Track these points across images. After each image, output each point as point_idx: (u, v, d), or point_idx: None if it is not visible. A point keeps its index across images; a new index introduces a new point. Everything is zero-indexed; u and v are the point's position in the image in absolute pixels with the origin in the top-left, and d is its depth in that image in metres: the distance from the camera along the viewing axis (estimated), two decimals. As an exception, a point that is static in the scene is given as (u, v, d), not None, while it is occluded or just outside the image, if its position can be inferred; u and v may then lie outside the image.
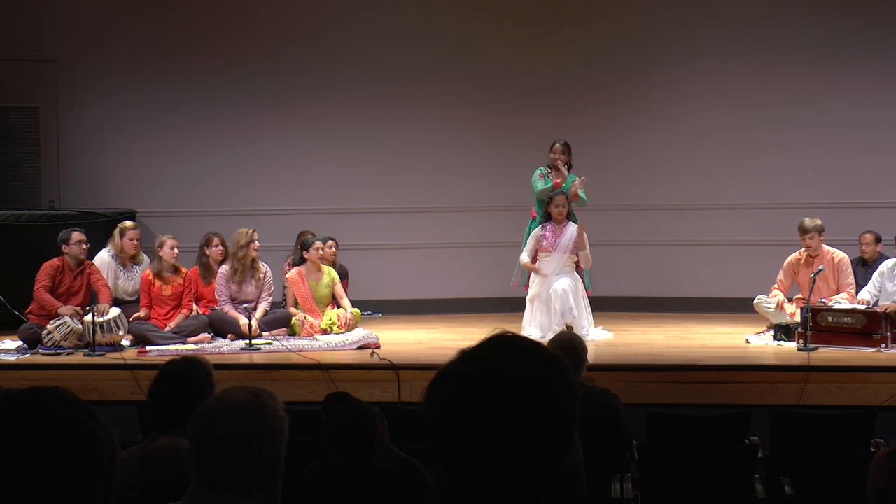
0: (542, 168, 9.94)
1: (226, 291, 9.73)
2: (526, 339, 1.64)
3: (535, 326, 9.33)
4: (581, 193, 9.72)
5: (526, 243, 9.69)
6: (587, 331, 9.20)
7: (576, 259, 9.55)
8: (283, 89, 12.14)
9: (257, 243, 9.78)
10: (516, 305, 10.14)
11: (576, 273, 9.52)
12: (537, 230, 9.51)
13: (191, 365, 4.16)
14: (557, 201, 9.46)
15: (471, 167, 12.01)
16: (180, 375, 4.09)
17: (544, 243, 9.41)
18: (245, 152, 12.22)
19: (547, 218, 9.52)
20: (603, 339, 9.44)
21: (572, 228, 9.40)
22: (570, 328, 8.60)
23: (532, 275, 9.56)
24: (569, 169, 9.99)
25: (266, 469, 2.51)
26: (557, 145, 9.98)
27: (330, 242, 10.49)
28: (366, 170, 12.13)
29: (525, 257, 9.53)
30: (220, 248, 10.02)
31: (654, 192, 11.90)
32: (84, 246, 9.41)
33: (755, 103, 11.70)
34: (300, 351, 8.75)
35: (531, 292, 9.50)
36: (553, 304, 9.19)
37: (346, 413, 4.13)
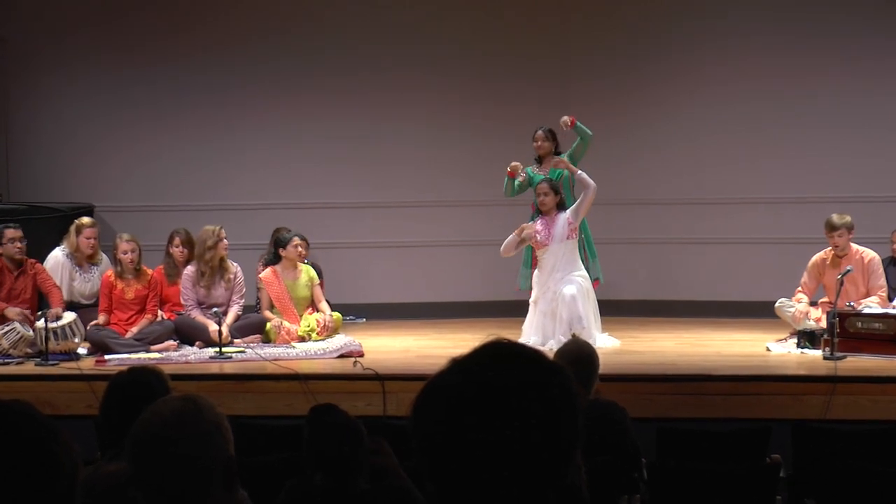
0: (529, 168, 10.00)
1: (192, 295, 9.73)
2: (524, 347, 1.65)
3: (536, 333, 9.33)
4: (568, 156, 9.70)
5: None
6: (594, 339, 9.20)
7: (577, 239, 9.47)
8: (254, 77, 12.14)
9: (226, 242, 9.77)
10: (514, 310, 10.14)
11: (582, 269, 9.48)
12: (530, 225, 9.48)
13: (141, 375, 4.13)
14: (539, 189, 9.49)
15: (464, 159, 12.01)
16: (130, 388, 4.06)
17: (538, 238, 9.41)
18: (214, 144, 12.21)
19: (537, 212, 9.55)
20: (609, 346, 9.44)
21: (563, 217, 9.40)
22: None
23: (535, 275, 9.55)
24: (557, 155, 9.99)
25: (211, 476, 2.52)
26: (539, 132, 10.02)
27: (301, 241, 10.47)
28: (347, 162, 12.13)
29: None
30: (182, 248, 9.99)
31: (664, 185, 11.91)
32: (19, 244, 9.38)
33: (777, 88, 11.71)
34: (275, 360, 8.75)
35: (535, 293, 9.51)
36: (559, 312, 9.18)
37: (333, 428, 4.13)
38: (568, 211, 9.44)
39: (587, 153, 9.81)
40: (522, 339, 9.15)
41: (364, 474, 4.13)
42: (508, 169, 9.83)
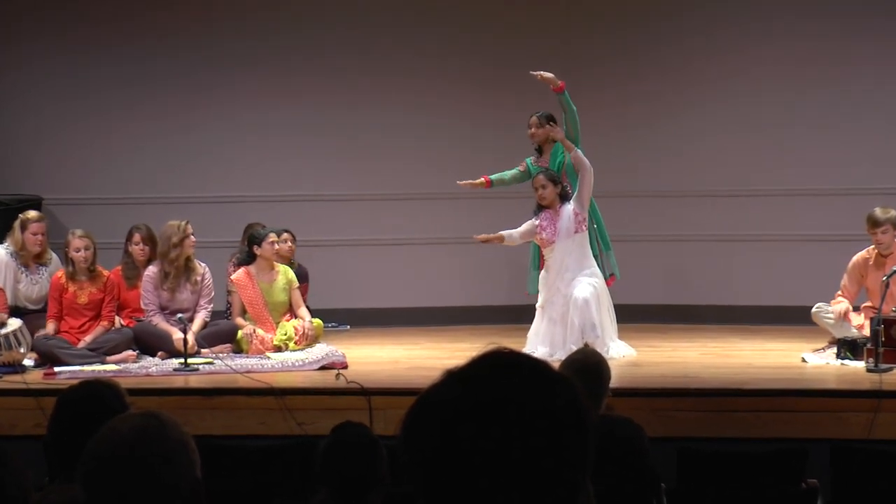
0: (529, 158, 10.02)
1: (154, 299, 9.72)
2: (527, 358, 1.65)
3: (543, 342, 9.34)
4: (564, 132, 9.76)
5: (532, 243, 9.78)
6: (608, 347, 9.20)
7: (585, 225, 9.48)
8: (224, 59, 12.11)
9: (192, 238, 9.77)
10: (518, 316, 10.15)
11: (595, 267, 9.49)
12: (531, 223, 9.48)
13: (96, 390, 4.13)
14: (535, 182, 9.50)
15: (463, 147, 11.99)
16: (83, 405, 4.05)
17: (543, 236, 9.41)
18: (179, 130, 12.19)
19: (539, 208, 9.53)
20: (624, 356, 9.46)
21: (568, 209, 9.39)
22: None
23: (541, 276, 9.56)
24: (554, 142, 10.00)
25: (175, 503, 2.53)
26: (532, 118, 10.02)
27: (285, 236, 10.49)
28: (328, 150, 12.12)
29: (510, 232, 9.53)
30: (142, 246, 9.96)
31: (686, 176, 11.91)
32: None
33: (811, 66, 11.73)
34: (248, 372, 8.75)
35: (541, 297, 9.51)
36: (571, 318, 9.18)
37: (356, 448, 4.30)
38: (572, 201, 9.43)
39: (581, 133, 9.77)
40: (527, 349, 9.15)
41: (378, 495, 4.28)
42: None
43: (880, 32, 11.68)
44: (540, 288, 9.57)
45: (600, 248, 9.78)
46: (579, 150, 9.35)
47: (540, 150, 10.03)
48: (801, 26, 11.79)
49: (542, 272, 9.58)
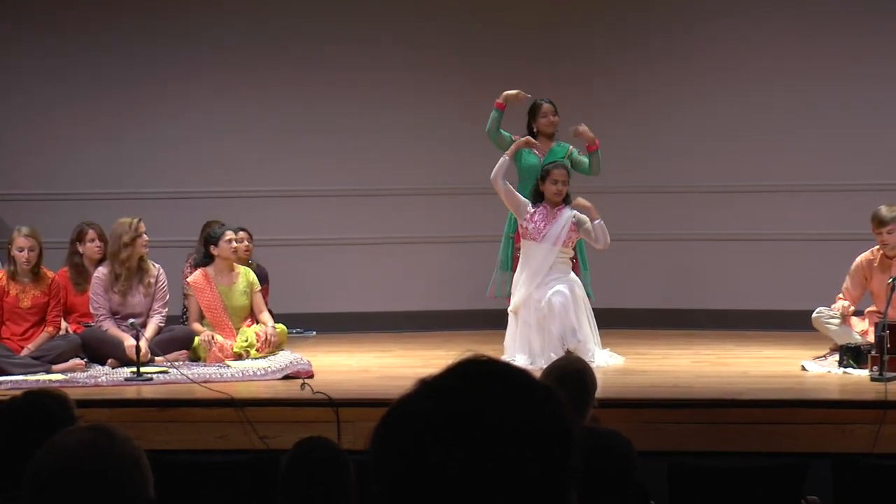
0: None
1: (104, 303, 9.69)
2: (505, 366, 1.66)
3: (522, 350, 9.35)
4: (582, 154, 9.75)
5: (504, 241, 9.78)
6: (592, 355, 9.22)
7: (571, 255, 9.56)
8: (179, 44, 12.14)
9: (145, 237, 9.75)
10: (497, 321, 10.15)
11: (572, 273, 9.53)
12: (525, 203, 9.45)
13: (40, 401, 4.12)
14: (556, 175, 9.43)
15: (439, 139, 12.03)
16: (27, 417, 4.05)
17: (530, 227, 9.40)
18: (132, 122, 12.19)
19: (537, 198, 9.50)
20: (611, 365, 9.48)
21: (567, 215, 9.41)
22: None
23: (515, 278, 9.55)
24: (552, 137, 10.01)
25: None
26: (546, 105, 9.97)
27: (241, 234, 10.46)
28: (293, 142, 12.13)
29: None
30: (98, 243, 9.98)
31: (678, 170, 11.96)
32: None
33: (811, 56, 11.80)
34: (206, 382, 8.73)
35: (515, 300, 9.52)
36: (548, 324, 9.19)
37: (321, 464, 4.27)
38: (575, 213, 9.43)
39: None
40: (506, 358, 9.17)
41: None
42: (499, 100, 9.75)
43: (880, 27, 11.75)
44: (512, 290, 9.56)
45: (578, 268, 9.75)
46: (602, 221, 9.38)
47: (535, 137, 9.89)
48: (798, 22, 11.85)
49: (516, 276, 9.56)
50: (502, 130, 9.78)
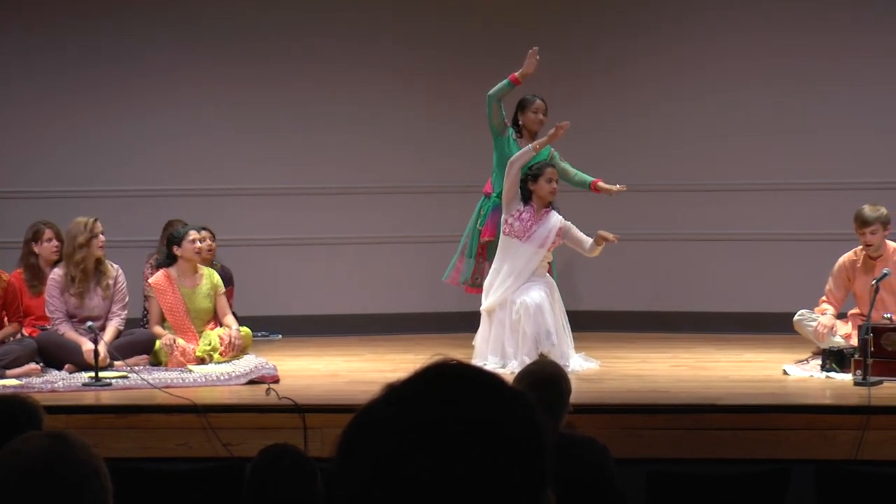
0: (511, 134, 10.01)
1: (61, 305, 9.66)
2: (474, 370, 1.66)
3: (494, 352, 9.36)
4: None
5: (470, 231, 9.81)
6: (567, 359, 9.24)
7: (550, 259, 9.60)
8: (139, 42, 12.11)
9: (102, 238, 9.71)
10: (469, 324, 10.16)
11: (549, 276, 9.56)
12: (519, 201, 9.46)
13: (7, 407, 4.11)
14: (551, 174, 9.47)
15: (408, 136, 12.03)
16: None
17: (516, 224, 9.40)
18: (89, 118, 12.14)
19: (526, 198, 9.49)
20: (586, 369, 9.50)
21: (555, 220, 9.43)
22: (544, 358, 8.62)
23: (490, 276, 9.55)
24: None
25: None
26: (539, 102, 9.95)
27: (204, 234, 10.42)
28: (257, 136, 12.11)
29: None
30: (55, 243, 9.94)
31: (657, 168, 11.98)
32: None
33: (791, 58, 11.84)
34: (167, 387, 8.70)
35: (488, 301, 9.52)
36: (522, 326, 9.21)
37: (287, 472, 4.25)
38: (561, 220, 9.47)
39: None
40: (477, 360, 9.20)
41: None
42: (518, 76, 9.67)
43: (865, 26, 11.80)
44: (486, 290, 9.56)
45: (550, 272, 9.77)
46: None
47: (520, 133, 9.89)
48: (783, 20, 11.89)
49: (491, 273, 9.56)
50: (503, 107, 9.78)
